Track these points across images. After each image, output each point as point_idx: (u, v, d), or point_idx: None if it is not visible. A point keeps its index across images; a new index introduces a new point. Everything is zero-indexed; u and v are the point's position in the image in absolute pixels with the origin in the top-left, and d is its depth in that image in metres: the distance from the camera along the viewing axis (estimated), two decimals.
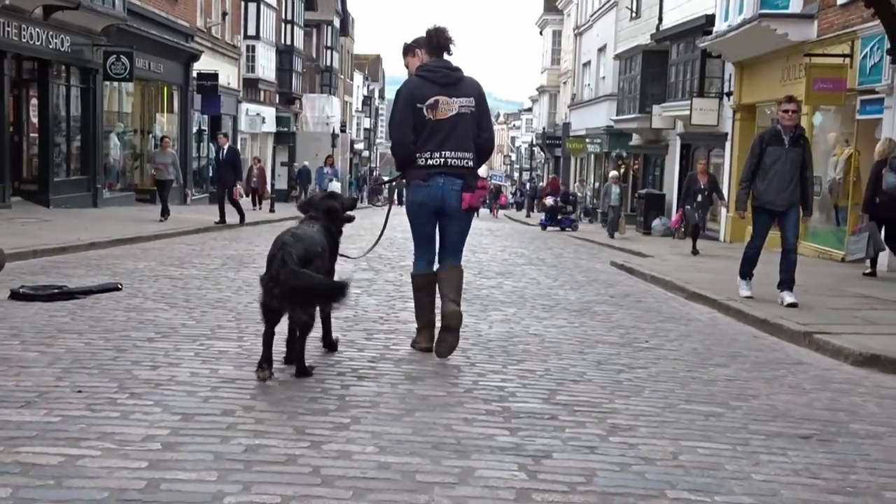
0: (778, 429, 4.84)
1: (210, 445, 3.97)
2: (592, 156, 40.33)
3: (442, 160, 6.00)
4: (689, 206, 18.15)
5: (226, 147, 20.65)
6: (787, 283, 9.57)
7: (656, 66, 28.25)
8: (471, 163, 6.07)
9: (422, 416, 4.64)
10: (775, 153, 9.41)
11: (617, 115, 32.02)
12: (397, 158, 6.15)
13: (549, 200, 29.76)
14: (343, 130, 53.89)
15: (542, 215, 30.33)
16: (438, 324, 6.34)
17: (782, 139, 9.44)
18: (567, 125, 44.84)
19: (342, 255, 6.13)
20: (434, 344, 6.16)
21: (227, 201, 20.38)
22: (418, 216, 6.13)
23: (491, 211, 43.34)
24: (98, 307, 7.64)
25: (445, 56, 6.11)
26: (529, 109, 76.42)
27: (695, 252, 17.38)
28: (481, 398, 5.09)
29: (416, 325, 6.47)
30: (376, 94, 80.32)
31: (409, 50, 6.29)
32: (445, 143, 5.98)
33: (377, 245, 7.14)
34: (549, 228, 28.58)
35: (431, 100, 5.98)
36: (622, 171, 33.23)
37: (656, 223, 25.71)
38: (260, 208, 29.13)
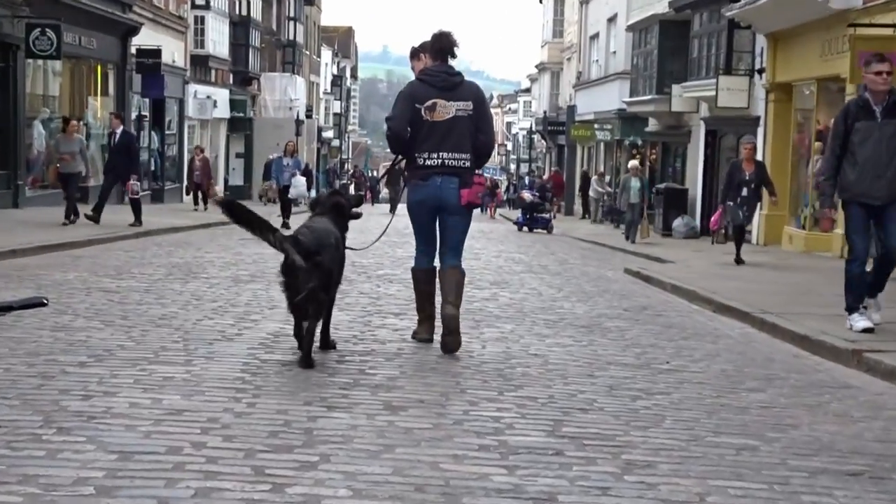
0: (822, 464, 4.84)
1: (153, 489, 3.94)
2: (602, 144, 40.47)
3: (439, 161, 7.35)
4: (731, 203, 16.67)
5: (119, 130, 19.72)
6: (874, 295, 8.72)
7: (676, 39, 28.38)
8: (468, 163, 7.41)
9: (403, 452, 4.63)
10: (866, 130, 8.29)
11: (630, 96, 32.15)
12: (392, 145, 7.52)
13: (527, 195, 30.08)
14: (309, 116, 53.91)
15: (518, 213, 30.68)
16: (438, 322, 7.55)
17: (873, 110, 8.32)
18: (572, 108, 44.98)
19: (348, 248, 7.27)
20: (437, 338, 7.44)
21: (128, 196, 19.89)
22: (418, 214, 7.54)
23: (485, 210, 43.27)
24: (19, 326, 7.61)
25: (450, 60, 7.45)
26: (528, 90, 76.65)
27: (739, 261, 16.26)
28: (473, 431, 5.10)
29: (416, 318, 7.90)
30: (348, 73, 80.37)
31: (414, 54, 7.88)
32: (442, 144, 7.34)
33: (377, 241, 8.56)
34: (524, 228, 29.06)
35: (429, 102, 7.35)
36: (637, 160, 33.37)
37: (678, 223, 25.80)
38: (205, 208, 28.67)
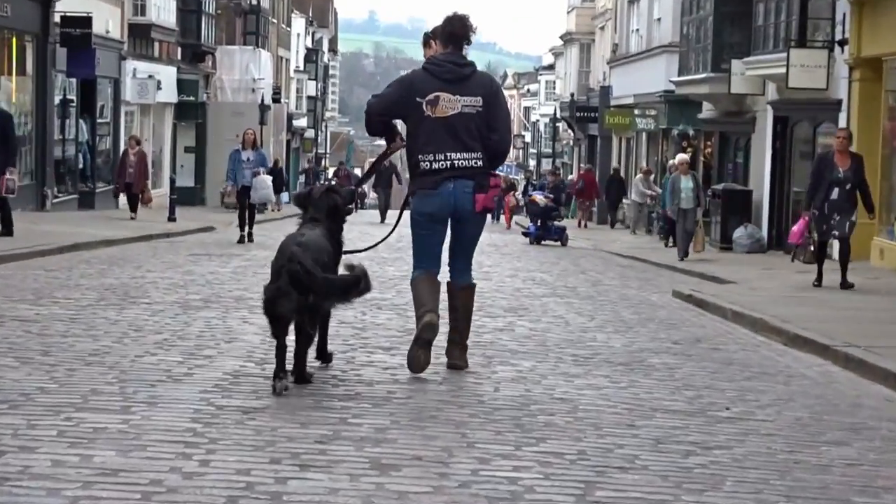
0: None
1: None
2: (644, 135, 40.57)
3: (447, 163, 7.86)
4: (815, 211, 16.02)
5: None
6: None
7: (736, 3, 28.44)
8: (480, 162, 7.92)
9: None
10: None
11: (679, 74, 32.22)
12: (368, 126, 8.14)
13: (540, 198, 29.53)
14: (277, 100, 54.04)
15: (529, 222, 30.40)
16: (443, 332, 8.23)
17: None
18: (606, 90, 45.11)
19: (350, 252, 8.07)
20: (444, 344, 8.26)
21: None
22: (425, 227, 8.02)
23: (498, 218, 43.01)
24: None
25: (464, 48, 7.92)
26: (551, 67, 76.84)
27: (846, 285, 15.56)
28: (484, 496, 5.09)
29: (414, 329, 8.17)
30: (325, 46, 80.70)
31: (426, 42, 8.36)
32: (448, 145, 7.83)
33: (383, 242, 9.02)
34: (531, 240, 28.77)
35: (431, 95, 7.79)
36: (688, 154, 33.37)
37: (740, 234, 25.82)
38: (133, 214, 28.26)
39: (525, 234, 29.67)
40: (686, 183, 23.55)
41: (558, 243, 28.35)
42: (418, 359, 7.93)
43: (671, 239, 27.82)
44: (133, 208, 28.81)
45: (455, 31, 8.05)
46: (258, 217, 24.96)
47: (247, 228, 22.91)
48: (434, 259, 8.10)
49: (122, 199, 30.67)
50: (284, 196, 53.31)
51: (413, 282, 8.14)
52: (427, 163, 7.89)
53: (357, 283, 7.39)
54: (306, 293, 7.09)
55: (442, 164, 7.88)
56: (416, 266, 8.12)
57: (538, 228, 28.88)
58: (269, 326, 7.28)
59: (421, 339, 7.94)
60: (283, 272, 7.08)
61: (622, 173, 42.63)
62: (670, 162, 29.99)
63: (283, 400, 6.93)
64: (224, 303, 12.00)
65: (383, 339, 9.86)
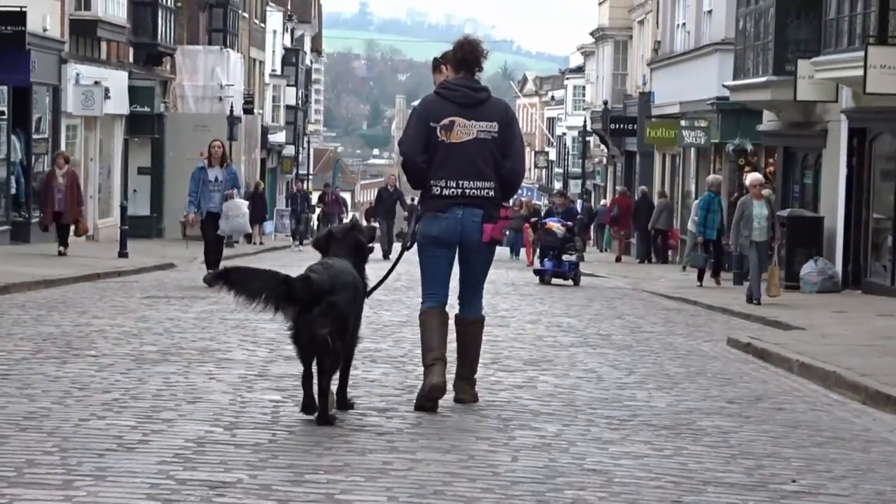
0: None
1: None
2: (693, 151, 40.59)
3: (458, 190, 9.10)
4: None
5: None
6: None
7: None
8: (492, 193, 9.18)
9: None
10: None
11: (735, 78, 32.29)
12: (408, 175, 9.38)
13: (556, 225, 29.12)
14: (249, 110, 54.21)
15: (541, 256, 29.50)
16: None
17: None
18: (647, 97, 45.22)
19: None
20: (450, 385, 9.36)
21: None
22: (432, 250, 9.26)
23: (517, 254, 42.75)
24: None
25: (476, 73, 9.18)
26: (580, 70, 77.15)
27: None
28: None
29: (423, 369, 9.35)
30: (307, 46, 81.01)
31: (436, 66, 9.68)
32: (461, 171, 9.08)
33: (382, 283, 9.69)
34: (544, 278, 28.39)
35: (446, 120, 9.05)
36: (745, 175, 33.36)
37: (809, 269, 25.80)
38: (63, 248, 27.45)
39: (538, 273, 29.02)
40: (759, 209, 22.40)
41: (570, 282, 28.18)
42: (428, 409, 9.09)
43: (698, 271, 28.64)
44: (63, 242, 27.98)
45: (466, 57, 9.29)
46: (226, 252, 24.42)
47: (217, 268, 22.14)
48: (441, 286, 9.34)
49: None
50: (268, 226, 53.43)
51: (421, 317, 9.33)
52: (438, 188, 9.14)
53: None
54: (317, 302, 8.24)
55: (453, 191, 9.12)
56: (425, 295, 9.36)
57: (555, 262, 28.44)
58: (298, 354, 8.56)
59: (427, 400, 9.11)
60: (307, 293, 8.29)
61: (668, 197, 42.63)
62: (709, 178, 30.16)
63: (255, 472, 6.93)
64: (186, 355, 12.02)
65: (377, 398, 9.86)
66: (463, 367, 9.52)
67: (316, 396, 8.47)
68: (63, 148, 34.84)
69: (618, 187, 50.47)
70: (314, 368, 8.46)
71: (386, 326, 15.51)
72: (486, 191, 9.16)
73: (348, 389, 9.10)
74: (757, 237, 22.25)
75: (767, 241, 22.48)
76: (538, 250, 30.25)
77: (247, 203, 23.28)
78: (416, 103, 9.34)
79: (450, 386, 9.45)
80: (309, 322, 8.33)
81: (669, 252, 40.09)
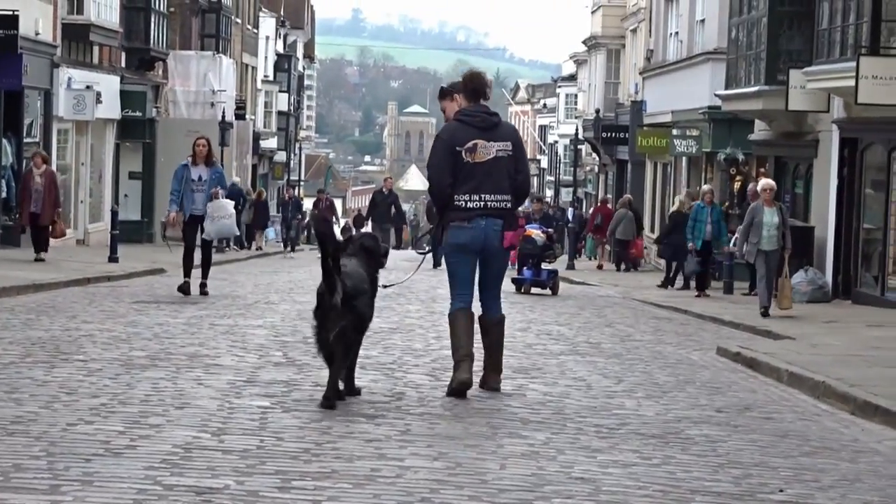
0: None
1: None
2: (684, 160, 40.63)
3: (482, 203, 10.64)
4: None
5: None
6: None
7: (796, 2, 28.56)
8: (509, 204, 10.79)
9: None
10: None
11: (727, 87, 32.33)
12: (437, 202, 10.95)
13: (536, 232, 27.72)
14: (241, 116, 54.22)
15: (519, 264, 27.81)
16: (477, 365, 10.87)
17: None
18: (639, 106, 45.28)
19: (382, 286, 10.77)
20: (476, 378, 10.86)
21: None
22: (457, 257, 10.80)
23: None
24: None
25: (482, 101, 10.91)
26: (572, 78, 77.19)
27: None
28: None
29: (451, 362, 10.88)
30: (299, 52, 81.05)
31: (446, 94, 11.20)
32: (483, 186, 10.63)
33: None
34: (521, 287, 27.21)
35: (470, 143, 10.64)
36: (737, 183, 33.38)
37: (799, 279, 25.81)
38: (40, 254, 26.59)
39: (516, 282, 27.33)
40: (770, 216, 21.54)
41: (548, 291, 27.37)
42: (458, 395, 10.53)
43: (679, 281, 29.15)
44: (40, 247, 26.88)
45: (476, 88, 10.92)
46: (216, 257, 24.24)
47: (187, 277, 20.49)
48: (468, 287, 10.81)
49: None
50: (270, 232, 53.38)
51: (451, 317, 10.81)
52: (462, 202, 10.62)
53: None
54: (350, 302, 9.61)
55: (477, 204, 10.62)
56: (454, 297, 10.83)
57: (534, 271, 27.51)
58: (320, 352, 9.81)
59: (456, 391, 10.53)
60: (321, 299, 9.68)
61: (654, 205, 42.65)
62: (704, 187, 30.12)
63: (243, 478, 6.93)
64: (175, 361, 12.01)
65: (366, 405, 9.86)
66: (491, 360, 11.01)
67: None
68: (55, 152, 34.83)
69: (609, 196, 50.45)
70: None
71: (375, 333, 15.50)
72: (504, 202, 10.69)
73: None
74: (766, 246, 21.46)
75: (778, 251, 21.51)
76: (519, 259, 28.23)
77: (233, 203, 21.81)
78: (437, 131, 11.23)
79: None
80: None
81: (632, 262, 40.07)
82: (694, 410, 10.64)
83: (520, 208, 12.80)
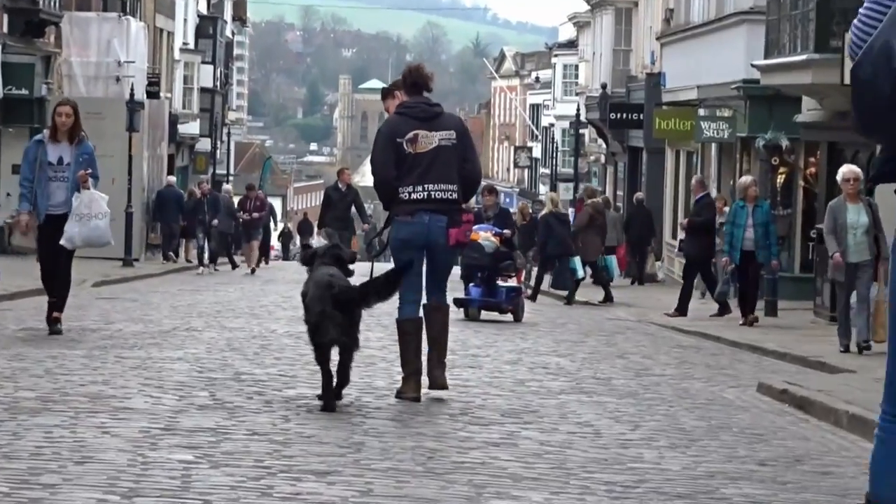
0: None
1: None
2: (713, 147, 40.72)
3: (425, 193, 12.73)
4: None
5: None
6: None
7: None
8: (455, 195, 12.89)
9: None
10: None
11: (766, 56, 32.45)
12: (381, 196, 13.17)
13: (484, 235, 25.46)
14: (154, 94, 54.08)
15: (464, 279, 26.42)
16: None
17: None
18: (656, 80, 45.35)
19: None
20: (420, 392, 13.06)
21: None
22: (403, 253, 12.92)
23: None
24: None
25: (424, 94, 13.05)
26: (571, 45, 77.35)
27: None
28: None
29: (400, 374, 13.20)
30: (227, 13, 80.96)
31: (387, 93, 13.65)
32: (427, 176, 12.71)
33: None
34: (469, 311, 25.74)
35: (410, 134, 12.72)
36: (781, 176, 33.41)
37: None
38: None
39: (460, 303, 25.15)
40: (856, 215, 20.58)
41: (512, 316, 25.73)
42: (411, 398, 12.97)
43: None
44: None
45: (416, 81, 13.14)
46: (123, 272, 24.22)
47: (59, 304, 18.51)
48: (416, 284, 12.98)
49: None
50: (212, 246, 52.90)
51: (400, 324, 13.13)
52: (406, 193, 12.74)
53: (388, 283, 12.58)
54: (350, 310, 12.20)
55: (420, 195, 12.70)
56: (402, 299, 12.91)
57: (486, 289, 25.68)
58: (315, 353, 12.27)
59: (406, 395, 12.93)
60: (325, 297, 12.06)
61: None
62: (744, 179, 28.51)
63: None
64: (73, 403, 11.96)
65: (315, 458, 9.82)
66: (435, 353, 13.02)
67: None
68: None
69: (583, 188, 50.45)
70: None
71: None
72: (449, 192, 12.80)
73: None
74: (853, 256, 20.37)
75: (870, 261, 20.38)
76: (464, 272, 26.38)
77: (106, 197, 18.55)
78: (380, 126, 13.51)
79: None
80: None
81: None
82: (731, 463, 10.65)
83: (471, 202, 14.02)
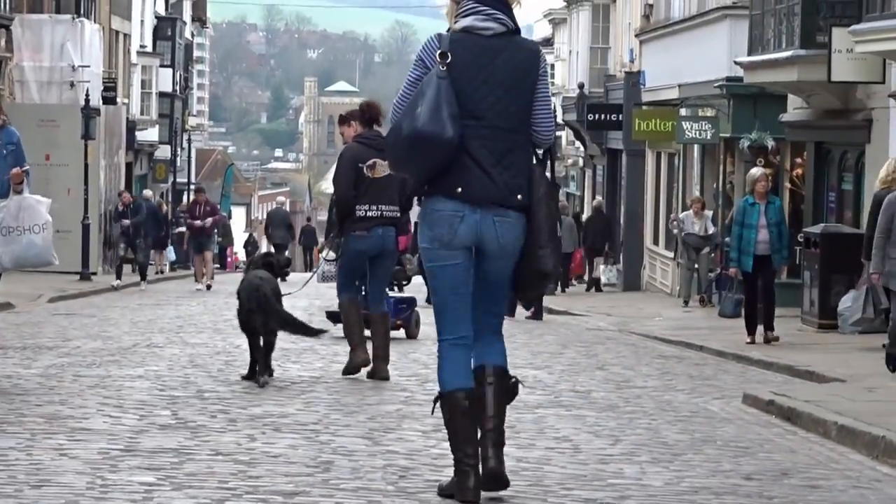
0: None
1: None
2: (696, 149, 40.74)
3: (378, 213, 16.01)
4: None
5: None
6: None
7: None
8: (398, 213, 16.44)
9: None
10: None
11: (750, 53, 32.47)
12: (341, 213, 16.29)
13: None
14: (111, 99, 53.94)
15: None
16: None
17: None
18: (635, 78, 45.35)
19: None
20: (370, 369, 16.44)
21: None
22: (357, 262, 16.35)
23: None
24: None
25: (376, 127, 16.22)
26: (547, 42, 77.26)
27: None
28: None
29: (348, 350, 16.57)
30: (187, 13, 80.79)
31: (344, 121, 17.09)
32: (381, 198, 15.96)
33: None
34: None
35: (370, 161, 15.51)
36: (767, 178, 33.47)
37: (849, 303, 25.85)
38: None
39: (332, 316, 22.30)
40: None
41: (401, 331, 22.75)
42: (362, 360, 16.39)
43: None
44: None
45: (372, 117, 16.31)
46: (80, 286, 24.15)
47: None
48: (359, 280, 16.65)
49: None
50: (171, 253, 52.61)
51: (342, 306, 16.84)
52: (363, 211, 15.99)
53: (306, 332, 16.54)
54: (265, 316, 15.26)
55: (375, 213, 16.01)
56: (345, 287, 16.65)
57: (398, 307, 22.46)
58: (247, 339, 15.69)
59: (352, 371, 16.32)
60: (252, 297, 15.33)
61: (657, 209, 42.62)
62: (752, 171, 25.38)
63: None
64: (28, 425, 11.94)
65: (282, 478, 9.81)
66: (380, 350, 16.23)
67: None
68: None
69: (599, 198, 50.53)
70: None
71: (294, 384, 15.52)
72: (395, 212, 16.29)
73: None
74: None
75: None
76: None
77: (48, 203, 15.38)
78: (342, 150, 16.95)
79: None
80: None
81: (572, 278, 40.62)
82: (715, 478, 10.66)
83: None
